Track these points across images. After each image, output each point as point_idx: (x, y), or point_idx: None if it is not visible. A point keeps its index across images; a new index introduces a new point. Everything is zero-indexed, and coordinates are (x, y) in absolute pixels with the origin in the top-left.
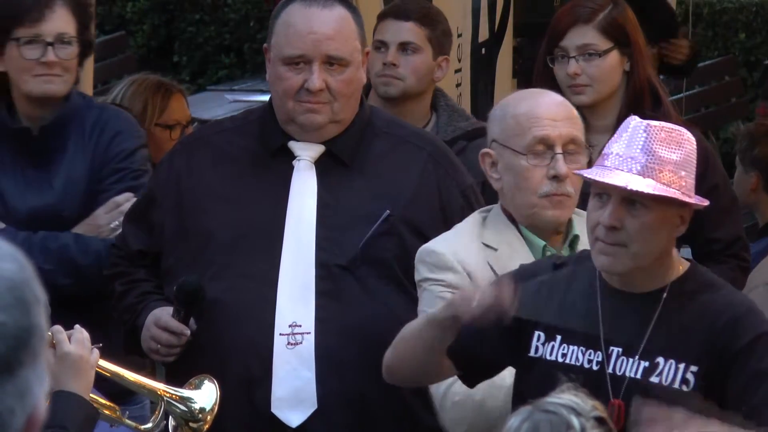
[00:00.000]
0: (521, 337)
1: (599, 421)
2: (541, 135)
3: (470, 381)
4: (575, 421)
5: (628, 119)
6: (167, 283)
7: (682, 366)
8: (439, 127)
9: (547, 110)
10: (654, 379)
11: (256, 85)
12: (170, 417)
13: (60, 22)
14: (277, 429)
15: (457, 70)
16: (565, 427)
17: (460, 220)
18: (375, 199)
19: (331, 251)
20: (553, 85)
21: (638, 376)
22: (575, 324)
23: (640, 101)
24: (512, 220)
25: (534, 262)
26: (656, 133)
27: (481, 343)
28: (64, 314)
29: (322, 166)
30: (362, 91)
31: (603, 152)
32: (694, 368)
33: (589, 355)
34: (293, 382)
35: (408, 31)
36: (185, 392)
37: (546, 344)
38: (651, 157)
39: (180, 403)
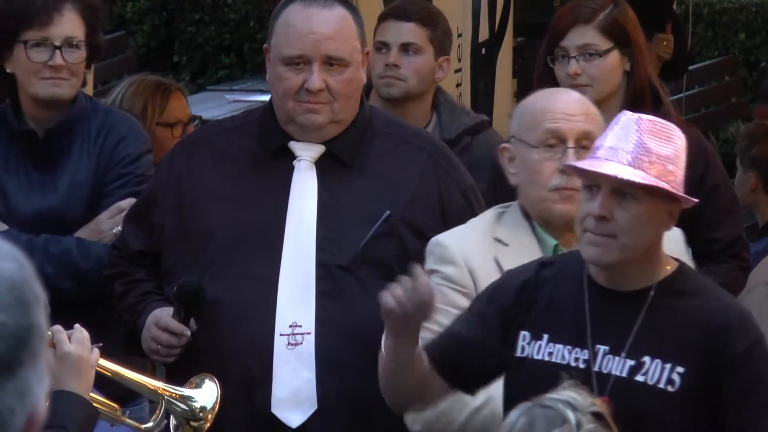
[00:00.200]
0: (507, 337)
1: (596, 416)
2: (553, 128)
3: (469, 389)
4: (571, 415)
5: (620, 113)
6: (167, 283)
7: (668, 366)
8: (443, 124)
9: (562, 105)
10: (640, 377)
11: (256, 85)
12: (171, 416)
13: (69, 25)
14: (277, 429)
15: (457, 70)
16: (560, 421)
17: (460, 220)
18: (375, 199)
19: (331, 251)
20: (554, 85)
21: (624, 374)
22: (562, 322)
23: (641, 101)
24: (528, 218)
25: (521, 266)
26: (647, 127)
27: (467, 352)
28: (63, 314)
29: (322, 166)
30: (362, 92)
31: (594, 145)
32: (680, 369)
33: (576, 353)
34: (293, 382)
35: (409, 32)
36: (186, 391)
37: (532, 343)
38: (642, 150)
39: (180, 401)
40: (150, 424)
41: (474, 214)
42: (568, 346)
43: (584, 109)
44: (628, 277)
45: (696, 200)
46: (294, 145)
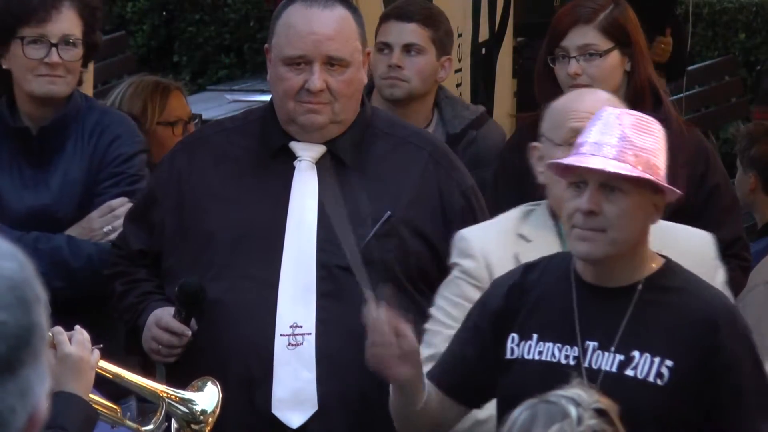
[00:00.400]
0: (499, 342)
1: (600, 412)
2: (577, 127)
3: (476, 404)
4: (573, 410)
5: (601, 109)
6: (168, 283)
7: (657, 360)
8: (445, 120)
9: (589, 104)
10: (629, 372)
11: (256, 85)
12: (173, 419)
13: (66, 23)
14: (277, 430)
15: (457, 70)
16: (561, 415)
17: (461, 221)
18: (376, 200)
19: (331, 252)
20: (554, 85)
21: (614, 369)
22: (550, 321)
23: (641, 101)
24: (555, 217)
25: (507, 272)
26: (629, 121)
27: (470, 369)
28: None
29: (323, 166)
30: (363, 92)
31: (577, 142)
32: (669, 363)
33: (566, 350)
34: (294, 383)
35: (411, 32)
36: (186, 394)
37: (522, 344)
38: (625, 143)
39: (181, 404)
40: (150, 426)
41: (474, 215)
42: (558, 344)
43: None
44: (615, 273)
45: (680, 192)
46: (295, 146)
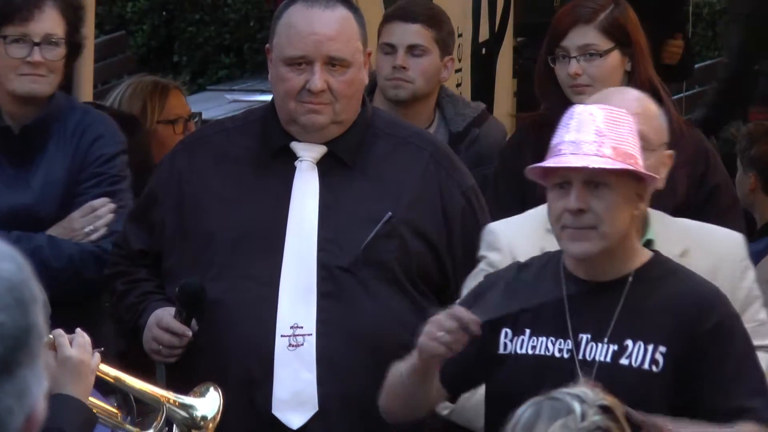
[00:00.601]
0: (492, 340)
1: (604, 409)
2: None
3: (460, 394)
4: (577, 406)
5: (571, 108)
6: (168, 283)
7: (650, 347)
8: (447, 118)
9: (616, 104)
10: (624, 361)
11: (256, 85)
12: (174, 424)
13: (49, 22)
14: (277, 431)
15: (458, 70)
16: (565, 411)
17: (461, 221)
18: (377, 200)
19: (332, 253)
20: (555, 85)
21: (608, 359)
22: (543, 316)
23: None
24: None
25: (499, 270)
26: (601, 115)
27: (467, 366)
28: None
29: (323, 166)
30: (365, 92)
31: (554, 143)
32: (662, 348)
33: (560, 344)
34: (294, 383)
35: (415, 33)
36: (187, 399)
37: (515, 339)
38: (602, 138)
39: (181, 409)
40: (150, 431)
41: (475, 215)
42: (551, 338)
43: (641, 108)
44: (606, 267)
45: (658, 176)
46: (295, 146)
